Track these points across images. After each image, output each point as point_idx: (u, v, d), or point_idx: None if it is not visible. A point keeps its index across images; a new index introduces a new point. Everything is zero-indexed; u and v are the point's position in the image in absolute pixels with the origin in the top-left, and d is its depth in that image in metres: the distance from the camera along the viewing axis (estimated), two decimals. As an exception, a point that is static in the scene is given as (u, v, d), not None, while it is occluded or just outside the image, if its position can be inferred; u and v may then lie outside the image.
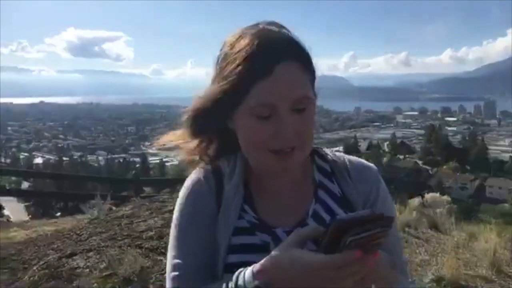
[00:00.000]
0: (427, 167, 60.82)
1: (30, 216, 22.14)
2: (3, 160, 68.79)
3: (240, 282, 0.77)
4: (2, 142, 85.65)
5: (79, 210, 6.96)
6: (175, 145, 1.01)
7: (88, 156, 71.57)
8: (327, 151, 1.05)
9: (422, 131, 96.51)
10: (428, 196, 7.25)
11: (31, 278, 3.52)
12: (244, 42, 0.86)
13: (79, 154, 74.12)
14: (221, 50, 0.92)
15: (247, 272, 0.78)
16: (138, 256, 3.63)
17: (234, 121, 0.90)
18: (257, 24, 0.90)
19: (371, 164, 1.04)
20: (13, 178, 38.22)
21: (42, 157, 67.69)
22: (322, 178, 0.99)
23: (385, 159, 58.92)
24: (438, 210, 6.54)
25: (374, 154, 56.73)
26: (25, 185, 36.70)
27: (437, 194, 7.41)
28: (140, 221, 4.59)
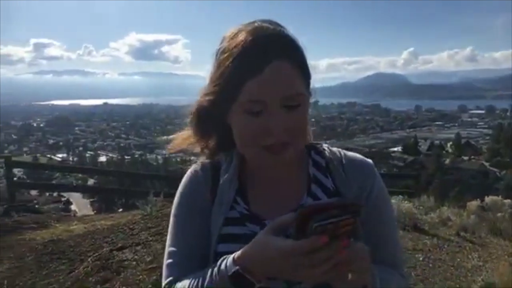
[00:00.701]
0: (495, 169, 56.97)
1: (94, 211, 23.40)
2: (71, 158, 73.61)
3: (223, 267, 0.81)
4: (70, 141, 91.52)
5: (136, 206, 7.32)
6: (184, 148, 1.05)
7: (147, 154, 74.59)
8: (325, 146, 1.06)
9: (490, 131, 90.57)
10: (488, 199, 6.79)
11: (85, 269, 3.75)
12: (238, 39, 0.88)
13: (139, 152, 77.59)
14: (219, 45, 0.93)
15: (229, 259, 0.81)
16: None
17: (230, 118, 0.92)
18: (253, 22, 0.91)
19: (368, 159, 1.03)
20: (80, 175, 40.74)
21: (106, 155, 71.49)
22: (317, 172, 1.00)
23: (448, 160, 55.94)
24: (499, 214, 6.12)
25: (435, 155, 54.01)
26: (90, 182, 38.88)
27: (499, 197, 6.91)
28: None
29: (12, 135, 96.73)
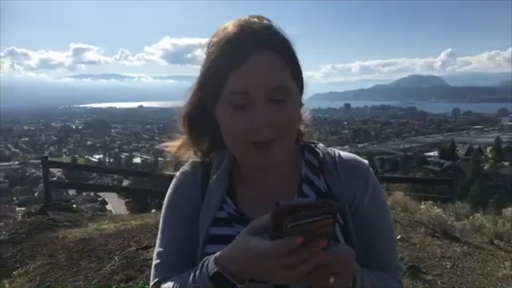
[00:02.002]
0: (538, 175, 54.22)
1: (129, 211, 23.96)
2: (107, 159, 75.79)
3: (204, 268, 0.79)
4: (106, 143, 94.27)
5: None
6: (180, 154, 1.03)
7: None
8: (320, 146, 1.03)
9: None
10: (525, 206, 6.50)
11: (111, 267, 3.87)
12: (223, 32, 0.88)
13: (172, 155, 78.67)
14: (209, 39, 0.92)
15: (210, 259, 0.79)
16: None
17: (217, 112, 0.90)
18: (242, 17, 0.91)
19: (363, 160, 1.00)
20: (116, 176, 41.95)
21: (141, 157, 73.14)
22: (309, 172, 0.97)
23: (487, 166, 53.78)
24: (537, 222, 5.84)
25: (474, 160, 52.01)
26: (125, 182, 39.86)
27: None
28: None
29: (52, 137, 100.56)
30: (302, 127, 1.03)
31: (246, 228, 0.76)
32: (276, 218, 0.69)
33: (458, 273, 3.93)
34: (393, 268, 0.96)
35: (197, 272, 0.81)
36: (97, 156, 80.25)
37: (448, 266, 4.06)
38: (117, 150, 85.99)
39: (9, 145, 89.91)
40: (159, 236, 0.98)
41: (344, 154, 1.00)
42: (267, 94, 0.84)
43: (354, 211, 0.94)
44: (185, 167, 1.03)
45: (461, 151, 69.93)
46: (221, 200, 0.95)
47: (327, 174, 0.96)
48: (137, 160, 70.20)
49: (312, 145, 1.03)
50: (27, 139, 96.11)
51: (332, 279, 0.72)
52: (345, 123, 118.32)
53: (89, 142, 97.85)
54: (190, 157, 1.04)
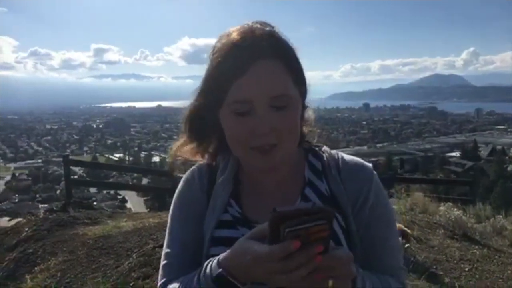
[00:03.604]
0: None
1: (148, 209, 24.26)
2: (127, 158, 76.91)
3: (208, 270, 0.81)
4: (126, 142, 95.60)
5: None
6: (184, 158, 1.04)
7: (198, 156, 75.88)
8: (324, 149, 1.03)
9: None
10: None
11: (129, 264, 3.93)
12: (227, 39, 0.89)
13: (191, 154, 79.29)
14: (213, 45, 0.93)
15: (214, 261, 0.81)
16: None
17: (221, 118, 0.92)
18: (246, 23, 0.91)
19: (367, 164, 1.00)
20: (135, 174, 42.49)
21: (159, 156, 73.88)
22: (312, 176, 0.98)
23: (510, 167, 52.47)
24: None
25: (497, 161, 50.80)
26: (144, 181, 40.35)
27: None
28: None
29: (74, 136, 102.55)
30: (305, 129, 1.03)
31: (248, 233, 0.78)
32: (273, 223, 0.71)
33: (477, 276, 3.86)
34: (395, 269, 0.96)
35: (201, 274, 0.82)
36: (117, 155, 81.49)
37: (466, 269, 3.99)
38: (136, 149, 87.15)
39: (32, 144, 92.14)
40: (166, 237, 1.01)
41: (348, 157, 1.01)
42: (269, 102, 0.85)
43: (356, 214, 0.94)
44: (192, 170, 1.05)
45: (483, 152, 68.42)
46: (226, 203, 0.97)
47: (330, 178, 0.97)
48: (156, 159, 70.96)
49: (316, 148, 1.04)
50: (49, 137, 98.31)
51: (330, 283, 0.74)
52: (364, 123, 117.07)
53: (109, 141, 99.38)
54: (198, 160, 1.05)
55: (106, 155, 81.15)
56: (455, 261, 4.15)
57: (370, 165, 1.00)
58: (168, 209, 1.07)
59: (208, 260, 0.83)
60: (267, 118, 0.85)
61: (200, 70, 0.94)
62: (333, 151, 1.03)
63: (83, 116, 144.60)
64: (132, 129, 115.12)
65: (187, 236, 0.97)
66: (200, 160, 1.05)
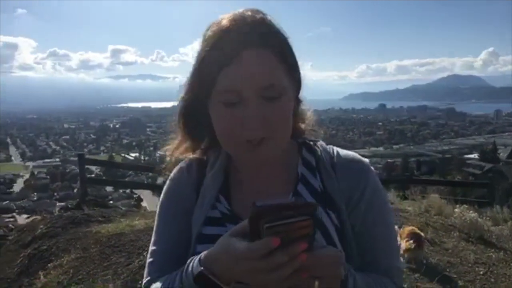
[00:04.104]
0: None
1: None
2: (142, 157, 77.70)
3: (190, 268, 0.78)
4: (142, 142, 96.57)
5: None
6: (179, 155, 1.00)
7: (213, 156, 76.28)
8: (319, 144, 0.98)
9: None
10: None
11: (139, 262, 3.96)
12: (216, 26, 0.85)
13: (205, 153, 79.88)
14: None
15: (196, 260, 0.77)
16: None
17: (210, 110, 0.88)
18: (238, 11, 0.87)
19: (363, 159, 0.95)
20: (150, 174, 42.92)
21: (175, 155, 74.31)
22: (305, 171, 0.94)
23: (530, 169, 51.26)
24: None
25: (515, 163, 49.72)
26: (159, 180, 40.60)
27: None
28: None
29: (91, 135, 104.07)
30: (303, 126, 1.00)
31: (231, 229, 0.74)
32: (253, 219, 0.67)
33: (492, 279, 3.77)
34: (392, 271, 0.92)
35: (184, 273, 0.79)
36: (133, 154, 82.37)
37: (481, 272, 3.90)
38: (152, 148, 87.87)
39: (51, 143, 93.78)
40: (153, 234, 0.97)
41: (343, 152, 0.96)
42: (258, 92, 0.81)
43: (351, 212, 0.90)
44: (181, 165, 1.01)
45: (503, 154, 67.00)
46: (214, 198, 0.93)
47: (323, 173, 0.93)
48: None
49: (311, 143, 0.99)
50: (67, 137, 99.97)
51: (316, 283, 0.69)
52: (380, 124, 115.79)
53: (125, 141, 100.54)
54: (189, 156, 1.02)
55: (122, 155, 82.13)
56: (470, 264, 4.06)
57: (366, 160, 0.95)
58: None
59: (191, 258, 0.79)
60: (257, 110, 0.80)
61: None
62: (329, 146, 0.98)
63: (100, 116, 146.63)
64: (148, 129, 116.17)
65: (174, 233, 0.94)
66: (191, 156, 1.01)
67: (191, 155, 1.00)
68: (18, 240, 5.55)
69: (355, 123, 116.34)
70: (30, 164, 76.59)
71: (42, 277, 4.14)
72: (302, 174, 0.94)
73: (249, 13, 0.85)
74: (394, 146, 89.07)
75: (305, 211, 0.67)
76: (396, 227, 4.14)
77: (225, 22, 0.84)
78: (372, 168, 0.94)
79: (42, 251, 4.80)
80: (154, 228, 0.98)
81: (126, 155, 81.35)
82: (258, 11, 0.86)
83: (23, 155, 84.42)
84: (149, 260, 0.95)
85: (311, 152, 0.97)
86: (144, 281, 0.93)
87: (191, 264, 0.78)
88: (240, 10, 0.87)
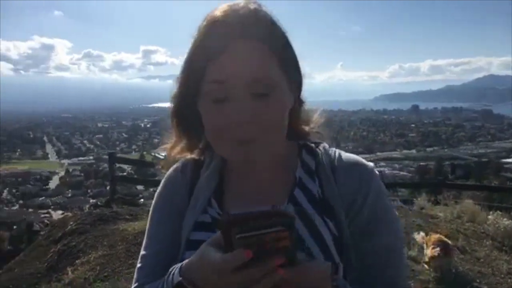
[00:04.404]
0: None
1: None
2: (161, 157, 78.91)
3: (170, 277, 0.74)
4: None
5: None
6: (176, 156, 0.95)
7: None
8: (323, 146, 0.91)
9: None
10: None
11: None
12: (208, 17, 0.80)
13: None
14: None
15: (177, 268, 0.74)
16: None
17: (199, 107, 0.83)
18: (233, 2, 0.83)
19: (366, 162, 0.87)
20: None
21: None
22: (304, 175, 0.87)
23: None
24: None
25: (556, 168, 47.46)
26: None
27: None
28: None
29: (123, 134, 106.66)
30: (306, 128, 0.93)
31: (210, 238, 0.69)
32: (224, 228, 0.63)
33: (526, 292, 3.59)
34: (397, 286, 0.83)
35: (165, 282, 0.76)
36: (163, 154, 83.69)
37: (515, 284, 3.72)
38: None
39: (85, 141, 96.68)
40: (144, 238, 0.94)
41: (346, 155, 0.88)
42: (247, 87, 0.75)
43: (352, 220, 0.83)
44: (177, 164, 0.97)
45: (542, 158, 64.17)
46: (206, 202, 0.88)
47: (322, 178, 0.86)
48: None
49: (312, 145, 0.92)
50: (101, 136, 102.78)
51: None
52: (413, 125, 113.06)
53: (155, 140, 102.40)
54: (186, 156, 0.96)
55: (153, 154, 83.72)
56: (502, 275, 3.88)
57: (370, 164, 0.88)
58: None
59: (173, 267, 0.75)
60: (245, 106, 0.75)
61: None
62: (331, 148, 0.90)
63: (132, 116, 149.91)
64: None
65: (165, 238, 0.89)
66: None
67: (188, 155, 0.95)
68: (49, 236, 5.73)
69: (387, 125, 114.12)
70: (66, 161, 79.32)
71: (70, 273, 4.25)
72: (300, 178, 0.87)
73: (243, 4, 0.80)
74: (428, 149, 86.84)
75: (281, 221, 0.62)
76: (421, 234, 4.05)
77: (216, 12, 0.79)
78: (377, 172, 0.87)
79: (71, 247, 4.93)
80: (146, 232, 0.93)
81: (157, 154, 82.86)
82: (253, 2, 0.81)
83: (58, 153, 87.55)
84: (138, 265, 0.91)
85: (311, 155, 0.90)
86: (132, 287, 0.89)
87: (172, 272, 0.75)
88: (237, 1, 0.82)
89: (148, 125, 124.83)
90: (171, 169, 0.97)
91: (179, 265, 0.74)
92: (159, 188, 0.96)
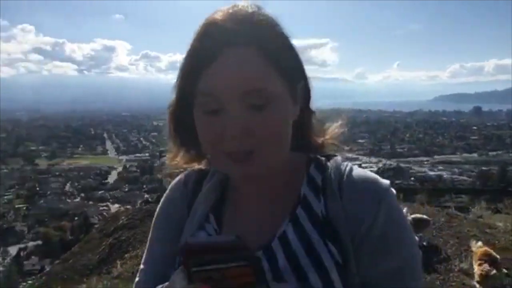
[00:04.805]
0: None
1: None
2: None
3: None
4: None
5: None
6: (186, 165, 0.90)
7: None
8: (335, 160, 0.81)
9: None
10: None
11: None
12: (205, 22, 0.74)
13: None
14: None
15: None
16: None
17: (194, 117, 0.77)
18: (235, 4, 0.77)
19: (380, 180, 0.76)
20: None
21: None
22: (309, 192, 0.78)
23: None
24: None
25: None
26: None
27: None
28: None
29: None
30: (319, 140, 0.86)
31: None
32: (183, 258, 0.59)
33: None
34: None
35: None
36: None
37: None
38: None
39: (141, 139, 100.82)
40: (145, 252, 0.92)
41: (357, 171, 0.78)
42: (241, 98, 0.69)
43: (359, 246, 0.73)
44: (180, 177, 0.92)
45: None
46: (203, 217, 0.83)
47: (328, 195, 0.76)
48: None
49: (323, 158, 0.82)
50: (156, 133, 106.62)
51: None
52: (475, 128, 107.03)
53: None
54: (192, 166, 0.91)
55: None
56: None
57: (386, 181, 0.76)
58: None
59: (160, 286, 0.72)
60: (239, 118, 0.69)
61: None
62: (344, 163, 0.80)
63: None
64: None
65: (162, 253, 0.86)
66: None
67: (196, 165, 0.89)
68: (102, 229, 6.03)
69: (446, 127, 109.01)
70: (123, 157, 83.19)
71: (119, 266, 4.43)
72: (304, 195, 0.78)
73: (243, 7, 0.74)
74: (490, 153, 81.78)
75: (242, 255, 0.57)
76: (479, 243, 3.77)
77: (213, 16, 0.73)
78: (393, 190, 0.76)
79: (122, 241, 5.15)
80: (147, 246, 0.91)
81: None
82: (253, 6, 0.75)
83: (117, 149, 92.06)
84: (136, 279, 0.88)
85: (319, 169, 0.81)
86: None
87: None
88: (239, 3, 0.75)
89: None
90: (174, 181, 0.93)
91: (164, 285, 0.71)
92: (161, 202, 0.93)
